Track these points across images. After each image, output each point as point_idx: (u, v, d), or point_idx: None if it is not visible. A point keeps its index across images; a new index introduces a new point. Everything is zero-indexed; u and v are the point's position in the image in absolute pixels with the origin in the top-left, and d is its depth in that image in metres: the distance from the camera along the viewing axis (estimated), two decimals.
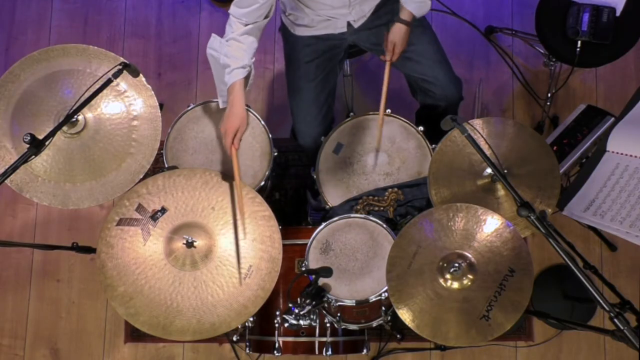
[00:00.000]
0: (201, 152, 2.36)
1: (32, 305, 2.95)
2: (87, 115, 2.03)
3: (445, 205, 1.89)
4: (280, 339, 2.18)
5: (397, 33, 2.18)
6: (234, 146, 2.05)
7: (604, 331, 1.68)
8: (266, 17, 2.05)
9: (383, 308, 2.14)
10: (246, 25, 2.02)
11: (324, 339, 2.18)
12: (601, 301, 1.54)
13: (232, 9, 2.03)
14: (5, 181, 1.81)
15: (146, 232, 1.97)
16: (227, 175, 2.09)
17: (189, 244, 1.94)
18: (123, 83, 2.05)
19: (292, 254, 2.20)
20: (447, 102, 2.38)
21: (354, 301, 2.06)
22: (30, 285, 2.97)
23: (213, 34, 2.09)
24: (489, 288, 1.80)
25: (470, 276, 1.81)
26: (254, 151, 2.35)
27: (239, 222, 1.99)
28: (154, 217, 1.97)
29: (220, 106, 2.23)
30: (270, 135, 2.36)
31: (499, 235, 1.83)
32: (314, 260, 2.12)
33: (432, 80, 2.33)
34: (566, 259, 1.59)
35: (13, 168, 1.78)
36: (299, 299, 1.97)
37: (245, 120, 2.06)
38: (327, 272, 2.02)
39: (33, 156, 1.78)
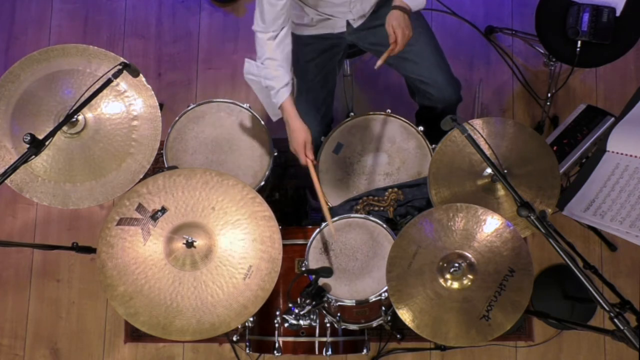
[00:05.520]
0: (201, 152, 2.36)
1: (32, 305, 2.95)
2: (87, 115, 2.03)
3: (445, 205, 1.89)
4: (280, 339, 2.18)
5: (393, 17, 2.02)
6: (309, 160, 2.13)
7: (604, 331, 1.68)
8: (288, 18, 2.08)
9: (383, 308, 2.14)
10: (275, 37, 2.04)
11: (324, 339, 2.18)
12: (601, 301, 1.54)
13: (256, 26, 2.05)
14: (5, 181, 1.81)
15: (146, 232, 1.97)
16: (228, 175, 2.10)
17: (189, 244, 1.94)
18: (123, 83, 2.05)
19: (292, 254, 2.20)
20: (444, 104, 2.38)
21: (354, 301, 2.06)
22: (30, 285, 2.97)
23: (247, 59, 2.15)
24: (489, 288, 1.80)
25: (470, 276, 1.81)
26: (254, 151, 2.35)
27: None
28: (154, 217, 1.97)
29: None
30: (270, 135, 2.36)
31: (499, 235, 1.83)
32: (314, 260, 2.12)
33: (430, 82, 2.32)
34: (566, 259, 1.59)
35: (13, 168, 1.78)
36: (299, 299, 1.97)
37: (308, 131, 2.12)
38: (327, 272, 2.02)
39: (33, 156, 1.78)
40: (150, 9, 3.24)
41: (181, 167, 2.29)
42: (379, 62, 2.04)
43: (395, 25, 2.01)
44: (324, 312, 2.16)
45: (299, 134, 2.11)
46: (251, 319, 2.27)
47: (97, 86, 1.90)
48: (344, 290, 2.08)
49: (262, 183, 2.33)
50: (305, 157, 2.14)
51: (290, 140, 2.15)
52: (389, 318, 2.20)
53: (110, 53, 2.06)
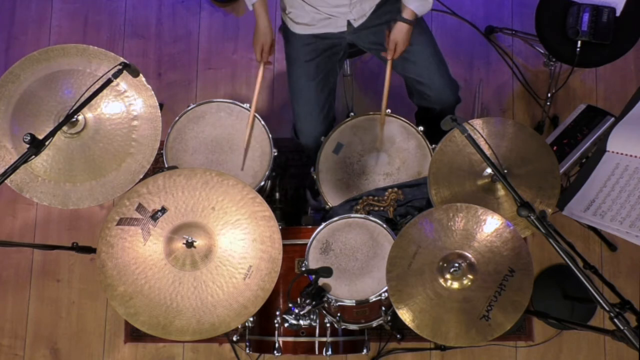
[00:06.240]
0: (201, 152, 2.36)
1: (32, 305, 2.95)
2: (87, 115, 2.02)
3: (445, 205, 1.89)
4: (280, 339, 2.18)
5: (399, 32, 2.18)
6: (263, 61, 2.30)
7: (604, 331, 1.68)
8: None
9: (383, 308, 2.14)
10: None
11: (324, 339, 2.18)
12: (601, 301, 1.54)
13: None
14: (5, 181, 1.81)
15: (146, 232, 1.97)
16: (228, 175, 2.10)
17: (189, 244, 1.94)
18: (123, 83, 2.05)
19: (292, 254, 2.20)
20: (441, 106, 2.38)
21: (354, 301, 2.06)
22: (30, 285, 2.97)
23: None
24: (489, 288, 1.80)
25: (470, 276, 1.81)
26: (254, 151, 2.35)
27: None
28: (154, 216, 1.97)
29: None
30: (270, 135, 2.36)
31: (499, 235, 1.83)
32: (314, 260, 2.12)
33: (428, 82, 2.33)
34: (566, 259, 1.59)
35: (13, 168, 1.78)
36: (299, 299, 1.97)
37: (269, 35, 2.26)
38: (327, 272, 2.02)
39: (33, 156, 1.78)
40: (150, 9, 3.24)
41: (181, 167, 2.29)
42: (388, 73, 2.27)
43: (400, 42, 2.20)
44: (324, 312, 2.16)
45: (260, 36, 2.26)
46: (251, 319, 2.27)
47: (97, 86, 1.90)
48: (344, 290, 2.08)
49: (262, 183, 2.33)
50: (260, 58, 2.30)
51: (253, 39, 2.29)
52: (389, 318, 2.20)
53: (110, 53, 2.06)
